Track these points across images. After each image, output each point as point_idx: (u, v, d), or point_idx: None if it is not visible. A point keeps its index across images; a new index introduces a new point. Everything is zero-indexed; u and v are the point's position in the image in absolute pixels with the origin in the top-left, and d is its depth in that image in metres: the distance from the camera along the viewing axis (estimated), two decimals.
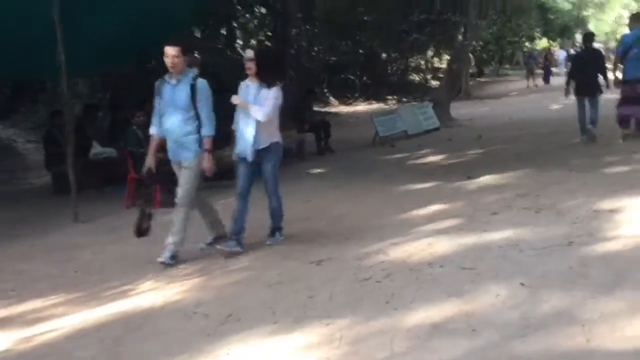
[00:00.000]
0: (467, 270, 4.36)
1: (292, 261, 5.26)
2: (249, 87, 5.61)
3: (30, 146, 14.97)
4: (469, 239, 5.10)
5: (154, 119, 5.70)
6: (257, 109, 5.44)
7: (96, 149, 9.83)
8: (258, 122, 5.46)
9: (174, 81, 5.46)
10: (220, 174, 6.60)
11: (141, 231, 5.81)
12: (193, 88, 5.37)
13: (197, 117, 5.44)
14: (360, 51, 24.89)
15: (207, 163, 5.51)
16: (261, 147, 5.58)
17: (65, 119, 9.88)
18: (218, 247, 5.66)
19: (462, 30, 14.65)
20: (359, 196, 7.57)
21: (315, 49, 22.50)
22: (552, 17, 34.52)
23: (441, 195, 7.06)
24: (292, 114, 12.40)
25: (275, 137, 5.68)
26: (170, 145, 5.59)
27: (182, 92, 5.41)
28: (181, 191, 5.58)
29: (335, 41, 21.11)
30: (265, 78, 5.49)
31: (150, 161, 5.69)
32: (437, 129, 13.84)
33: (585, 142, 9.77)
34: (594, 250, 4.47)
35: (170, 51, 5.38)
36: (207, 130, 5.47)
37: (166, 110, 5.52)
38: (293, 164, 10.91)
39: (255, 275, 5.02)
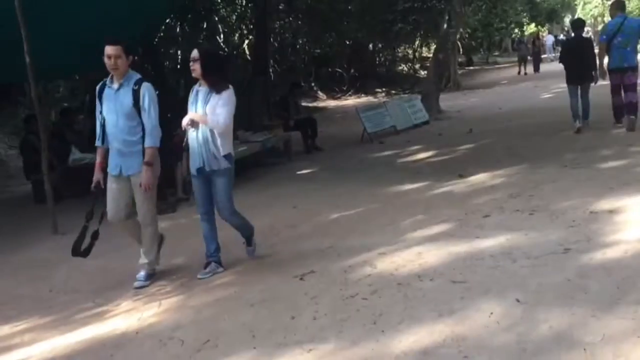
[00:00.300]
0: (458, 284, 4.10)
1: (275, 276, 4.99)
2: (198, 94, 5.00)
3: (13, 152, 14.62)
4: (460, 247, 4.84)
5: (98, 129, 5.14)
6: (211, 119, 4.85)
7: (75, 155, 9.50)
8: (212, 133, 4.92)
9: (115, 85, 4.92)
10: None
11: (77, 251, 5.29)
12: (136, 93, 4.86)
13: (143, 125, 4.93)
14: (348, 42, 24.56)
15: (146, 178, 4.95)
16: (214, 160, 4.98)
17: (39, 124, 9.67)
18: (198, 276, 5.20)
19: (447, 17, 14.32)
20: (346, 200, 7.30)
21: (300, 41, 22.14)
22: (538, 1, 34.27)
23: (431, 197, 6.81)
24: (276, 111, 12.15)
25: (227, 148, 5.05)
26: (112, 156, 5.05)
27: (125, 98, 4.90)
28: (141, 211, 5.16)
29: (319, 33, 20.70)
30: (212, 81, 4.91)
31: (98, 175, 5.12)
32: (426, 122, 13.57)
33: (579, 130, 9.61)
34: (592, 258, 4.21)
35: (110, 51, 4.77)
36: (150, 140, 4.92)
37: (108, 117, 4.98)
38: (281, 164, 10.65)
39: (236, 293, 4.74)
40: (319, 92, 23.77)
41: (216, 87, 4.89)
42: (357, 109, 12.59)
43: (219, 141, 4.93)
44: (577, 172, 6.93)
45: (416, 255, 4.85)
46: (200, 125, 4.92)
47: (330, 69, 24.63)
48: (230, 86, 4.96)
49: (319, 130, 15.17)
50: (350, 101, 22.85)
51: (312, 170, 9.80)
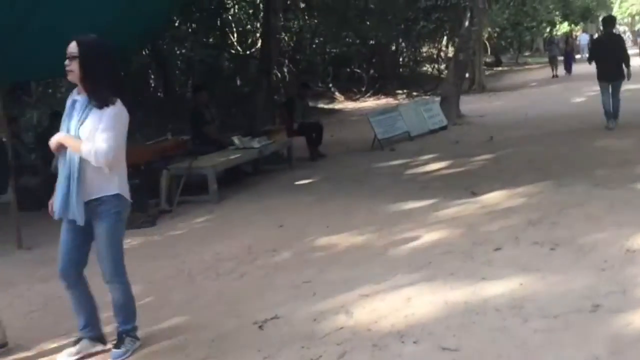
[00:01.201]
0: (447, 352, 3.12)
1: (232, 319, 4.08)
2: (75, 105, 3.55)
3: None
4: (460, 293, 3.85)
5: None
6: (85, 148, 3.41)
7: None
8: (84, 166, 3.48)
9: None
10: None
11: None
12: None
13: None
14: (372, 42, 23.55)
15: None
16: (91, 198, 3.53)
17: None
18: None
19: (468, 15, 13.25)
20: (339, 218, 6.35)
21: (316, 40, 21.20)
22: None
23: (436, 219, 5.81)
24: (282, 113, 11.23)
25: (114, 185, 3.54)
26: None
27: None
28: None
29: (337, 33, 19.74)
30: (92, 89, 3.45)
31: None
32: (444, 128, 12.51)
33: (611, 128, 9.06)
34: (631, 323, 3.19)
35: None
36: None
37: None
38: (281, 171, 9.74)
39: (181, 344, 3.82)
40: (337, 93, 22.80)
41: (97, 98, 3.43)
42: (368, 113, 11.59)
43: (95, 179, 3.50)
44: (611, 193, 5.87)
45: (404, 301, 3.88)
46: (69, 152, 3.51)
47: (348, 70, 23.63)
48: (119, 100, 3.47)
49: (330, 135, 14.30)
50: (369, 103, 21.84)
51: (311, 180, 8.85)
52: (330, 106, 21.18)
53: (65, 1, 8.52)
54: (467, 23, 13.22)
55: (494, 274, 4.12)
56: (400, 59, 26.66)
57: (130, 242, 6.38)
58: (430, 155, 9.75)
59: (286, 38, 20.23)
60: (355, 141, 12.27)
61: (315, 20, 19.87)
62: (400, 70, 26.69)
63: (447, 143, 10.92)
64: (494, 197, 6.37)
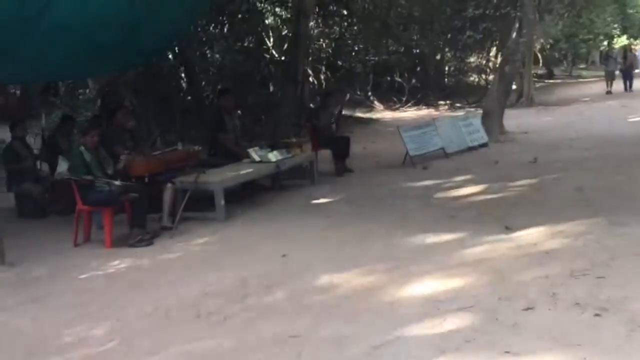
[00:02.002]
0: None
1: None
2: None
3: None
4: None
5: None
6: None
7: (62, 168, 8.05)
8: None
9: None
10: None
11: None
12: None
13: None
14: (416, 51, 22.64)
15: None
16: None
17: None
18: None
19: (517, 26, 12.26)
20: (351, 252, 5.54)
21: (356, 47, 20.39)
22: (631, 11, 31.12)
23: (461, 261, 4.95)
24: (307, 124, 10.47)
25: None
26: None
27: None
28: None
29: (378, 40, 18.89)
30: None
31: None
32: (484, 145, 11.56)
33: None
34: None
35: None
36: None
37: None
38: (301, 187, 8.98)
39: None
40: (376, 102, 21.96)
41: None
42: (399, 127, 10.72)
43: None
44: None
45: None
46: None
47: (389, 78, 22.76)
48: None
49: (362, 147, 13.53)
50: (409, 114, 20.93)
51: (331, 199, 8.07)
52: (368, 115, 20.38)
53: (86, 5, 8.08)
54: (515, 34, 12.23)
55: (521, 347, 3.27)
56: (445, 69, 25.68)
57: (118, 264, 5.78)
58: (465, 177, 8.86)
59: (324, 44, 19.49)
60: (387, 155, 11.43)
61: (355, 27, 19.04)
62: (446, 80, 25.71)
63: (486, 163, 9.98)
64: (531, 235, 5.47)
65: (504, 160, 10.02)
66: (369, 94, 22.18)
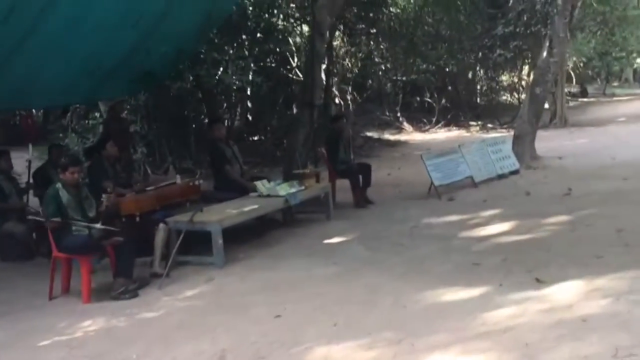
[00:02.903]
0: None
1: None
2: None
3: None
4: None
5: None
6: None
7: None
8: None
9: None
10: None
11: None
12: None
13: None
14: (447, 69, 21.87)
15: None
16: None
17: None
18: None
19: (547, 44, 11.45)
20: (356, 309, 4.85)
21: (383, 67, 19.74)
22: None
23: (480, 329, 4.19)
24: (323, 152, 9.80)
25: None
26: None
27: None
28: None
29: (405, 59, 18.21)
30: None
31: None
32: (515, 172, 10.74)
33: None
34: None
35: None
36: None
37: None
38: (315, 223, 8.31)
39: None
40: (405, 123, 21.22)
41: None
42: (422, 155, 9.97)
43: None
44: None
45: None
46: None
47: (419, 98, 22.01)
48: None
49: (387, 173, 12.80)
50: (439, 135, 20.13)
51: (344, 238, 7.37)
52: (396, 137, 19.64)
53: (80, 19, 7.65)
54: (545, 53, 11.42)
55: None
56: (477, 88, 24.85)
57: (88, 326, 5.06)
58: (494, 211, 8.08)
59: (349, 64, 18.89)
60: (412, 183, 10.70)
61: (381, 46, 18.39)
62: (478, 100, 24.87)
63: (516, 194, 9.18)
64: (565, 292, 4.69)
65: (536, 190, 9.20)
66: (398, 114, 21.48)
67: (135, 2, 8.29)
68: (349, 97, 19.13)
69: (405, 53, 17.26)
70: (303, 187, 8.13)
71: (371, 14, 16.17)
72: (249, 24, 12.24)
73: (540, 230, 6.82)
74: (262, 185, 7.84)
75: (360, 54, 19.05)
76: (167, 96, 11.60)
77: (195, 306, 5.39)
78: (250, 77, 12.24)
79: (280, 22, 13.11)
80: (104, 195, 5.96)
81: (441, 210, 8.52)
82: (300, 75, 17.44)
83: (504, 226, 7.17)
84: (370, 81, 21.11)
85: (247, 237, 7.51)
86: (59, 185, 5.87)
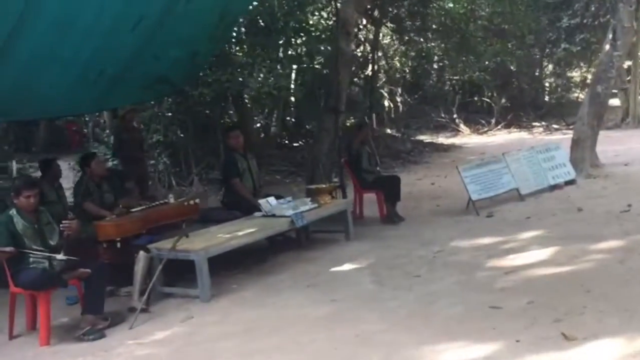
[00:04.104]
0: None
1: None
2: None
3: None
4: None
5: None
6: None
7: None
8: None
9: None
10: None
11: None
12: None
13: None
14: (512, 68, 20.45)
15: None
16: None
17: None
18: None
19: (610, 37, 10.08)
20: None
21: (435, 66, 18.57)
22: None
23: None
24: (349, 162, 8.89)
25: None
26: None
27: None
28: None
29: (457, 56, 16.98)
30: None
31: None
32: (571, 182, 9.48)
33: None
34: None
35: None
36: None
37: None
38: (333, 244, 7.42)
39: None
40: (461, 125, 19.96)
41: None
42: (459, 166, 8.86)
43: None
44: None
45: None
46: None
47: (477, 98, 20.69)
48: None
49: (431, 182, 11.77)
50: (497, 137, 18.85)
51: (355, 265, 6.44)
52: (451, 141, 18.47)
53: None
54: (607, 46, 10.06)
55: None
56: (546, 85, 23.23)
57: None
58: (535, 232, 6.96)
59: (398, 63, 17.83)
60: (454, 195, 9.63)
61: (433, 44, 17.23)
62: (546, 98, 23.25)
63: (567, 209, 7.99)
64: (597, 355, 3.61)
65: (590, 206, 7.96)
66: (454, 116, 20.25)
67: (130, 5, 7.62)
68: (398, 99, 18.06)
69: (457, 50, 16.03)
70: (315, 205, 7.24)
71: (421, 9, 15.06)
72: (279, 23, 11.38)
73: (583, 260, 5.66)
74: (267, 204, 7.01)
75: (412, 53, 17.94)
76: (191, 102, 10.94)
77: (156, 356, 4.59)
78: (284, 80, 11.41)
79: (310, 20, 12.18)
80: (63, 222, 5.26)
81: (475, 230, 7.45)
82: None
83: (542, 253, 6.05)
84: (425, 81, 19.95)
85: (247, 261, 6.72)
86: (13, 211, 5.19)
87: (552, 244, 6.33)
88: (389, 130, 17.42)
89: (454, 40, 16.22)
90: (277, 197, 7.53)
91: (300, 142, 14.61)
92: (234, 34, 11.26)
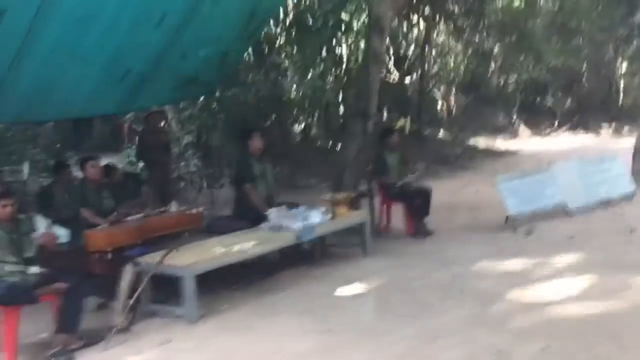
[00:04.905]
0: None
1: None
2: None
3: None
4: None
5: None
6: None
7: (41, 231, 6.51)
8: None
9: None
10: None
11: None
12: None
13: None
14: (580, 67, 19.17)
15: None
16: None
17: None
18: None
19: None
20: None
21: (493, 65, 17.56)
22: None
23: None
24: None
25: None
26: None
27: None
28: None
29: (514, 55, 15.97)
30: None
31: None
32: (629, 196, 8.51)
33: None
34: None
35: None
36: None
37: None
38: (348, 260, 6.82)
39: None
40: (521, 127, 18.87)
41: None
42: (498, 177, 8.02)
43: None
44: None
45: None
46: None
47: (539, 99, 19.52)
48: None
49: (475, 190, 10.93)
50: (560, 141, 17.66)
51: (363, 288, 5.82)
52: (508, 145, 17.39)
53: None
54: None
55: None
56: (612, 86, 21.71)
57: None
58: (574, 256, 6.17)
59: (452, 63, 16.93)
60: (495, 206, 8.74)
61: (490, 42, 16.25)
62: (621, 99, 21.69)
63: (617, 229, 7.10)
64: None
65: None
66: (514, 118, 19.17)
67: (152, 0, 7.26)
68: (452, 100, 17.17)
69: (516, 49, 15.03)
70: (327, 217, 6.65)
71: (476, 6, 14.18)
72: (317, 21, 10.83)
73: (619, 297, 4.85)
74: (275, 214, 6.47)
75: (468, 51, 17.02)
76: (225, 104, 10.55)
77: None
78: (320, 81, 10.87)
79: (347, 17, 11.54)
80: (35, 233, 4.88)
81: (507, 250, 6.69)
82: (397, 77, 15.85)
83: (573, 284, 5.25)
84: (483, 81, 18.96)
85: (250, 274, 6.20)
86: None
87: (589, 272, 5.52)
88: (442, 133, 16.56)
89: (512, 39, 15.24)
90: (292, 206, 7.03)
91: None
92: (271, 33, 10.80)
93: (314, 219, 6.47)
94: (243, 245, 5.76)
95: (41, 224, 6.56)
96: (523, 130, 18.79)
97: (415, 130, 14.87)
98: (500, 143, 17.53)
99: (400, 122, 16.55)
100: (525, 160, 14.36)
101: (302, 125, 13.09)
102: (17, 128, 12.91)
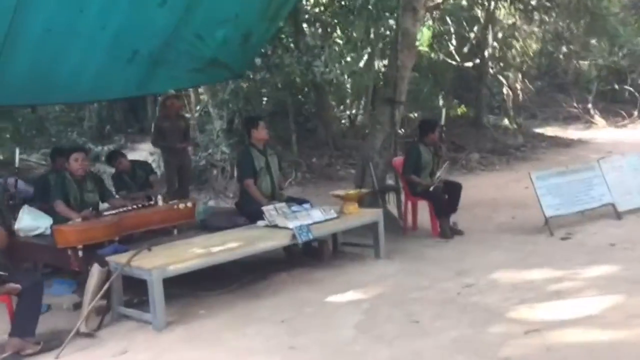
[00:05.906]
0: None
1: None
2: None
3: None
4: None
5: None
6: None
7: (24, 222, 6.28)
8: None
9: None
10: None
11: None
12: None
13: None
14: None
15: None
16: None
17: None
18: None
19: None
20: None
21: (564, 48, 16.24)
22: None
23: None
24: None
25: None
26: None
27: None
28: None
29: (585, 39, 14.63)
30: None
31: None
32: None
33: None
34: None
35: None
36: None
37: None
38: (358, 261, 6.22)
39: None
40: (596, 116, 17.46)
41: None
42: (532, 173, 7.09)
43: None
44: None
45: None
46: None
47: (618, 86, 17.99)
48: None
49: (525, 186, 9.92)
50: (638, 132, 16.17)
51: (359, 296, 5.20)
52: (580, 135, 16.10)
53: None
54: None
55: None
56: None
57: None
58: (605, 269, 5.31)
59: (518, 47, 15.76)
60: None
61: (561, 24, 14.97)
62: None
63: None
64: None
65: None
66: (589, 106, 17.76)
67: None
68: (518, 87, 16.02)
69: (588, 32, 13.76)
70: (333, 216, 6.05)
71: None
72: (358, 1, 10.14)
73: None
74: (271, 211, 5.94)
75: (538, 33, 15.80)
76: (254, 88, 10.08)
77: None
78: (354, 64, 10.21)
79: None
80: None
81: (534, 257, 5.88)
82: (458, 59, 14.90)
83: (594, 304, 4.42)
84: (555, 66, 17.66)
85: (244, 276, 5.72)
86: None
87: (618, 289, 4.67)
88: (505, 121, 15.50)
89: (587, 20, 13.98)
90: (301, 202, 6.49)
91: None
92: (306, 15, 10.23)
93: (314, 218, 5.89)
94: (227, 246, 5.26)
95: (25, 213, 6.35)
96: (598, 119, 17.38)
97: (474, 117, 13.91)
98: (572, 133, 16.27)
99: (460, 109, 15.66)
100: (594, 151, 13.15)
101: (347, 113, 12.44)
102: (62, 110, 12.98)
